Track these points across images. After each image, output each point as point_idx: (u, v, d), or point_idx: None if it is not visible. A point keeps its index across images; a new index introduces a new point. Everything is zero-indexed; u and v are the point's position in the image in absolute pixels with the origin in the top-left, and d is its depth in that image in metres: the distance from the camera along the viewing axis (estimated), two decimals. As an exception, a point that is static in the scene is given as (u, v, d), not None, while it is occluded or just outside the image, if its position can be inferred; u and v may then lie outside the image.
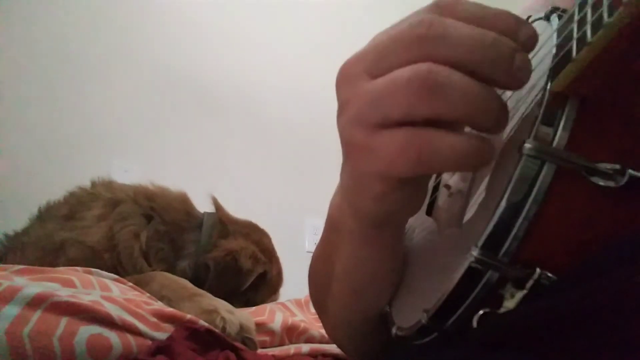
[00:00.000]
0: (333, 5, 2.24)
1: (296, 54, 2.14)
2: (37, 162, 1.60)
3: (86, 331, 0.48)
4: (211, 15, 2.02)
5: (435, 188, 0.40)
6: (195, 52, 1.96)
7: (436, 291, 0.26)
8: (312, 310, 0.79)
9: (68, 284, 0.58)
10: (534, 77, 0.28)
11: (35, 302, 0.48)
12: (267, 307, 0.90)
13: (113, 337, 0.50)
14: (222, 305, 0.73)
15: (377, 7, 2.21)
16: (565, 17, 0.28)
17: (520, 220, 0.23)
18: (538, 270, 0.22)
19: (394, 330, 0.31)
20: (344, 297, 0.38)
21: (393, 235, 0.33)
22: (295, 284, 0.99)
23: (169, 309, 0.62)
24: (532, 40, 0.25)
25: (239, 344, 0.62)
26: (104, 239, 0.93)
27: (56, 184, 1.08)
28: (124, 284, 0.69)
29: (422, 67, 0.23)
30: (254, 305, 0.93)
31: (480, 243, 0.23)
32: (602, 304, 0.20)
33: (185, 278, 0.86)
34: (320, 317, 0.47)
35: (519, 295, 0.23)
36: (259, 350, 0.70)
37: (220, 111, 1.97)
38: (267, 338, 0.77)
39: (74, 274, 0.63)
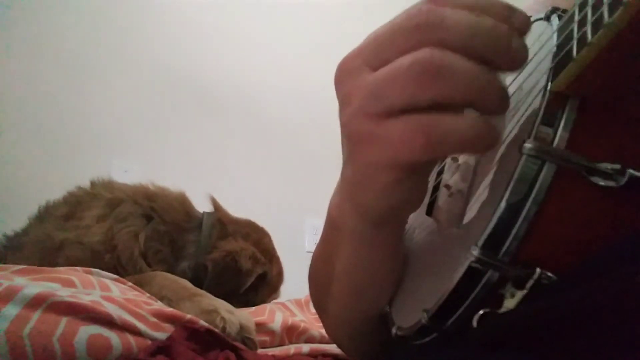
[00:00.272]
0: (332, 6, 2.24)
1: (296, 54, 2.14)
2: (37, 162, 1.60)
3: (86, 331, 0.48)
4: (211, 15, 2.02)
5: (436, 188, 0.40)
6: (195, 52, 1.96)
7: (436, 291, 0.26)
8: (312, 310, 0.79)
9: (68, 284, 0.58)
10: (534, 77, 0.28)
11: (35, 302, 0.48)
12: (267, 307, 0.90)
13: (113, 337, 0.50)
14: (222, 305, 0.73)
15: (377, 7, 2.21)
16: (566, 17, 0.28)
17: (520, 220, 0.23)
18: (538, 270, 0.22)
19: (394, 330, 0.31)
20: (344, 297, 0.38)
21: (393, 235, 0.33)
22: (295, 284, 0.99)
23: (169, 309, 0.62)
24: (525, 25, 0.25)
25: (239, 344, 0.62)
26: (104, 240, 0.93)
27: (56, 184, 1.08)
28: (124, 284, 0.69)
29: (423, 52, 0.24)
30: (254, 306, 0.93)
31: (480, 243, 0.23)
32: (602, 304, 0.20)
33: (185, 279, 0.86)
34: (320, 317, 0.47)
35: (519, 295, 0.23)
36: (259, 350, 0.70)
37: (220, 111, 1.97)
38: (267, 338, 0.77)
39: (74, 274, 0.63)
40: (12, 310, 0.46)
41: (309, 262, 0.45)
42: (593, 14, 0.23)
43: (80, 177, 1.08)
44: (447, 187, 0.37)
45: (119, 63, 1.83)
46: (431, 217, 0.38)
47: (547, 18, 0.32)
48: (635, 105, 0.23)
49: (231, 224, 1.06)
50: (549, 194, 0.23)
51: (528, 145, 0.23)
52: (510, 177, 0.24)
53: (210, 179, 1.59)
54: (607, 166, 0.22)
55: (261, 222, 1.14)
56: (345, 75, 0.27)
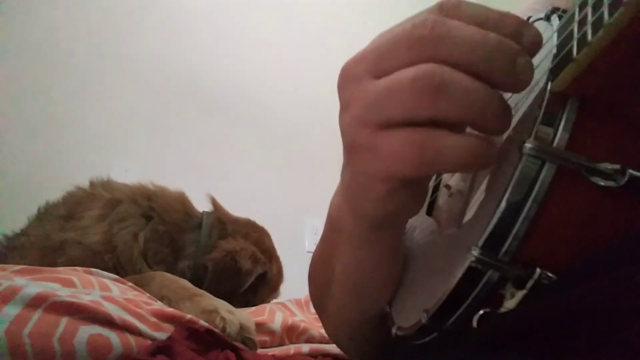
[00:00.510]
0: (333, 6, 2.24)
1: (296, 54, 2.14)
2: (37, 162, 1.60)
3: (86, 331, 0.48)
4: (211, 16, 2.02)
5: (436, 188, 0.40)
6: (195, 52, 1.96)
7: (436, 291, 0.26)
8: (312, 310, 0.79)
9: (68, 284, 0.58)
10: (534, 77, 0.28)
11: (35, 302, 0.48)
12: (267, 307, 0.90)
13: (113, 337, 0.50)
14: (222, 305, 0.73)
15: (378, 8, 2.21)
16: (566, 17, 0.28)
17: (520, 220, 0.23)
18: (538, 270, 0.22)
19: (394, 330, 0.31)
20: (344, 297, 0.38)
21: (393, 236, 0.33)
22: (295, 284, 0.99)
23: (169, 309, 0.62)
24: (536, 43, 0.24)
25: (239, 344, 0.62)
26: (103, 240, 0.92)
27: (56, 184, 1.08)
28: (124, 284, 0.69)
29: (426, 67, 0.23)
30: (254, 305, 0.93)
31: (480, 243, 0.23)
32: (602, 304, 0.20)
33: (185, 279, 0.86)
34: (320, 317, 0.47)
35: (519, 295, 0.23)
36: (259, 350, 0.70)
37: (220, 111, 1.97)
38: (267, 338, 0.77)
39: (74, 274, 0.63)
40: (12, 310, 0.46)
41: (309, 262, 0.45)
42: (593, 14, 0.23)
43: (80, 177, 1.08)
44: (447, 187, 0.37)
45: (119, 63, 1.83)
46: (431, 217, 0.38)
47: (547, 18, 0.32)
48: (635, 105, 0.23)
49: (231, 223, 1.06)
50: (549, 194, 0.23)
51: (528, 145, 0.23)
52: (510, 177, 0.24)
53: (210, 179, 1.59)
54: (607, 166, 0.22)
55: (261, 222, 1.14)
56: (347, 81, 0.27)
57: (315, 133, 2.02)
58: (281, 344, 0.78)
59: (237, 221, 1.09)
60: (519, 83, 0.24)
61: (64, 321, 0.48)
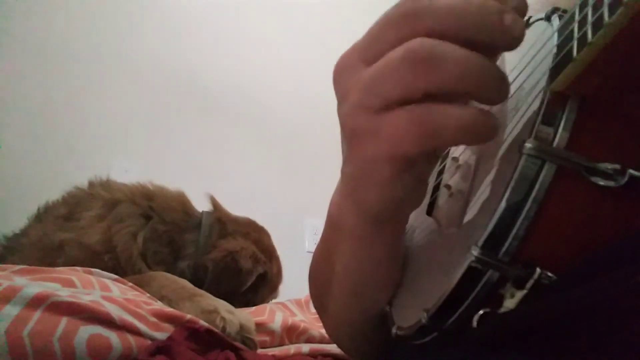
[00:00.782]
0: (333, 6, 2.24)
1: (296, 54, 2.14)
2: (37, 162, 1.60)
3: (86, 331, 0.48)
4: (211, 16, 2.02)
5: (436, 188, 0.40)
6: (195, 52, 1.96)
7: (436, 291, 0.26)
8: (312, 310, 0.79)
9: (68, 284, 0.58)
10: (534, 77, 0.28)
11: (35, 302, 0.48)
12: (267, 307, 0.90)
13: (113, 337, 0.50)
14: (222, 305, 0.73)
15: (379, 8, 2.20)
16: (566, 17, 0.28)
17: (520, 219, 0.23)
18: (538, 270, 0.22)
19: (394, 330, 0.31)
20: (344, 296, 0.38)
21: (394, 235, 0.33)
22: (295, 284, 0.98)
23: (169, 309, 0.62)
24: (522, 3, 0.24)
25: (239, 344, 0.62)
26: (103, 240, 0.92)
27: (56, 184, 1.08)
28: (124, 284, 0.69)
29: (414, 42, 0.23)
30: (254, 305, 0.93)
31: (480, 242, 0.23)
32: (602, 304, 0.20)
33: (185, 279, 0.86)
34: (320, 317, 0.47)
35: (519, 295, 0.23)
36: (259, 350, 0.70)
37: (220, 111, 1.97)
38: (267, 338, 0.77)
39: (74, 274, 0.63)
40: (12, 310, 0.46)
41: (309, 262, 0.45)
42: (593, 14, 0.23)
43: (80, 177, 1.08)
44: (448, 187, 0.37)
45: (119, 63, 1.83)
46: (431, 217, 0.38)
47: (548, 18, 0.32)
48: (635, 105, 0.23)
49: (231, 222, 1.06)
50: (549, 193, 0.23)
51: (528, 145, 0.23)
52: (510, 177, 0.24)
53: (210, 179, 1.59)
54: (607, 166, 0.22)
55: (261, 222, 1.15)
56: (342, 73, 0.28)
57: (315, 133, 2.02)
58: (281, 344, 0.78)
59: (237, 221, 1.09)
60: (512, 40, 0.24)
61: (64, 321, 0.48)
